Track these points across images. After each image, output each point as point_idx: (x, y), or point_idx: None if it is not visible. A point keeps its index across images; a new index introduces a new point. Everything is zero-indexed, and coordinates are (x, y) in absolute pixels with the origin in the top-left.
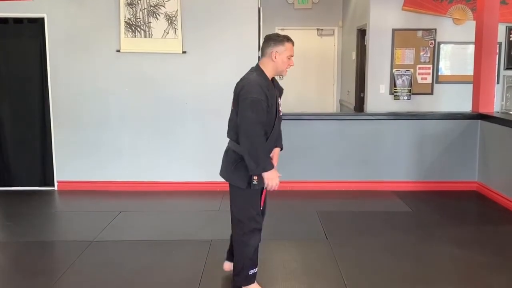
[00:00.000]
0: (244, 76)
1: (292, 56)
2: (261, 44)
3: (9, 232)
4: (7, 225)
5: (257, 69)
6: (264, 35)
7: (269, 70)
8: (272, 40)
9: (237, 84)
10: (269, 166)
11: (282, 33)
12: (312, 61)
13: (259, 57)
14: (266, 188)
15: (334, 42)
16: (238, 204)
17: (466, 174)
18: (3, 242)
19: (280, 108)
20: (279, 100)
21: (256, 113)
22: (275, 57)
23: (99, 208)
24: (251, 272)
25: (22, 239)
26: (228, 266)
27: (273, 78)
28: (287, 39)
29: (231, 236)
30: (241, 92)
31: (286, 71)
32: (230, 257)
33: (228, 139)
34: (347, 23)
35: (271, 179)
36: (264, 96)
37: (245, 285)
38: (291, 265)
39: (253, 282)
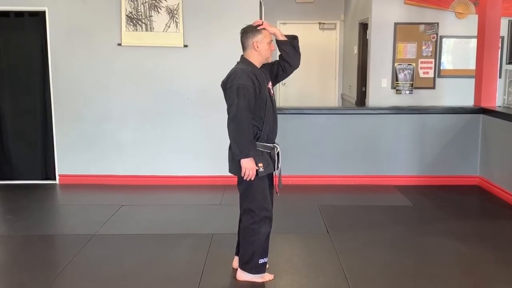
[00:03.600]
0: (233, 68)
1: (272, 40)
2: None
3: (11, 225)
4: (9, 219)
5: (242, 61)
6: (241, 28)
7: (256, 60)
8: (249, 31)
9: (224, 79)
10: (251, 153)
11: (284, 27)
12: (314, 55)
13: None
14: (243, 176)
15: (336, 36)
16: (248, 195)
17: (468, 168)
18: (5, 236)
19: (272, 93)
20: (270, 84)
21: (243, 99)
22: (257, 46)
23: (101, 202)
24: (261, 261)
25: (24, 233)
26: (237, 262)
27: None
28: None
29: (238, 231)
30: (227, 81)
31: (271, 56)
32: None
33: None
34: (349, 17)
35: (248, 169)
36: (251, 82)
37: (254, 274)
38: (293, 258)
39: (263, 272)
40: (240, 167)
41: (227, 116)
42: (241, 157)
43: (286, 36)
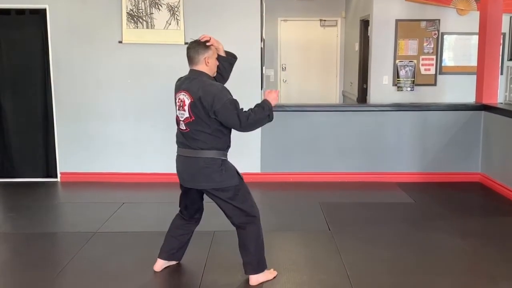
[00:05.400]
0: (203, 84)
1: (217, 56)
2: (189, 51)
3: (12, 223)
4: (10, 217)
5: (205, 75)
6: (190, 42)
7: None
8: (200, 47)
9: (190, 88)
10: (268, 106)
11: (284, 24)
12: (315, 52)
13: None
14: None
15: (337, 33)
16: (239, 199)
17: (469, 165)
18: (6, 234)
19: None
20: None
21: (239, 109)
22: (208, 62)
23: (102, 200)
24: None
25: (25, 231)
26: (161, 265)
27: None
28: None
29: (178, 235)
30: (215, 100)
31: (216, 72)
32: (170, 256)
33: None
34: (350, 13)
35: (275, 101)
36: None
37: (265, 269)
38: (294, 256)
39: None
40: (230, 177)
41: (235, 130)
42: (271, 111)
43: (226, 52)
